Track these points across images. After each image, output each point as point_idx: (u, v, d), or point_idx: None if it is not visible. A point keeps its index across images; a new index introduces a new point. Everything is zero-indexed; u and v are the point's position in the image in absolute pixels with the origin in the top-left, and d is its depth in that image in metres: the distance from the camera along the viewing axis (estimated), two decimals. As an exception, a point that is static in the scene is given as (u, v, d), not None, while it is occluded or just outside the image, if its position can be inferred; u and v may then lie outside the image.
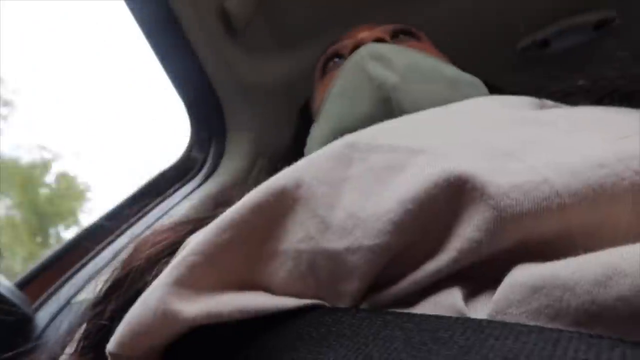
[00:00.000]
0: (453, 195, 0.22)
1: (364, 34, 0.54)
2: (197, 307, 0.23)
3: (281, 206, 0.25)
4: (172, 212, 0.77)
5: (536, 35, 0.86)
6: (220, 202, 0.40)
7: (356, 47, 0.51)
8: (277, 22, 0.84)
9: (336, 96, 0.49)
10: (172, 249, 0.32)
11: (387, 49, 0.49)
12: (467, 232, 0.21)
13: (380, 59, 0.47)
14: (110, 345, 0.25)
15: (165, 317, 0.23)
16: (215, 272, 0.25)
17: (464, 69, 0.53)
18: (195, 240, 0.25)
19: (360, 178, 0.25)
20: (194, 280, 0.24)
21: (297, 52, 0.81)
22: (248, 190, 0.26)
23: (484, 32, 0.85)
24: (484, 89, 0.50)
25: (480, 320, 0.19)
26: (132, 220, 0.75)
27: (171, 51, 0.76)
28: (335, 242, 0.23)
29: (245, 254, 0.25)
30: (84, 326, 0.32)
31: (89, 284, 0.66)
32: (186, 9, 0.72)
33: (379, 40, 0.52)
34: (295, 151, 0.59)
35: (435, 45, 0.60)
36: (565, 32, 0.85)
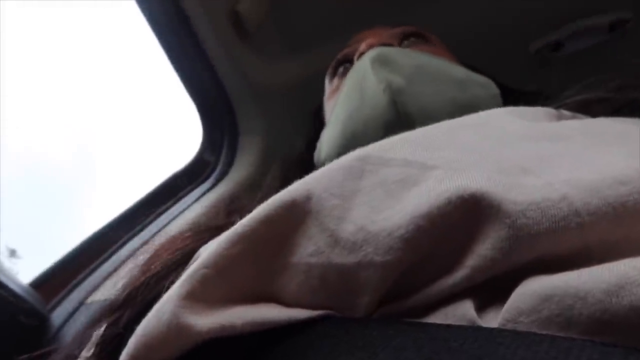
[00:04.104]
0: (467, 213, 0.22)
1: (372, 39, 0.54)
2: (210, 320, 0.23)
3: (291, 219, 0.25)
4: (184, 215, 0.78)
5: (549, 37, 0.86)
6: (232, 209, 0.40)
7: (364, 52, 0.51)
8: (288, 26, 0.84)
9: (344, 101, 0.50)
10: (189, 257, 0.32)
11: (393, 53, 0.49)
12: (482, 250, 0.21)
13: (386, 63, 0.47)
14: (123, 358, 0.24)
15: (178, 330, 0.23)
16: (227, 285, 0.24)
17: (477, 71, 0.53)
18: (207, 253, 0.25)
19: (371, 191, 0.25)
20: (205, 293, 0.24)
21: (307, 55, 0.81)
22: (260, 198, 0.26)
23: (497, 35, 0.85)
24: (495, 90, 0.50)
25: (492, 329, 0.19)
26: (145, 222, 0.76)
27: (183, 53, 0.77)
28: (346, 257, 0.23)
29: (256, 267, 0.25)
30: (101, 329, 0.32)
31: (103, 284, 0.67)
32: (198, 11, 0.72)
33: (387, 44, 0.52)
34: (307, 156, 0.59)
35: (447, 48, 0.60)
36: (579, 33, 0.84)
